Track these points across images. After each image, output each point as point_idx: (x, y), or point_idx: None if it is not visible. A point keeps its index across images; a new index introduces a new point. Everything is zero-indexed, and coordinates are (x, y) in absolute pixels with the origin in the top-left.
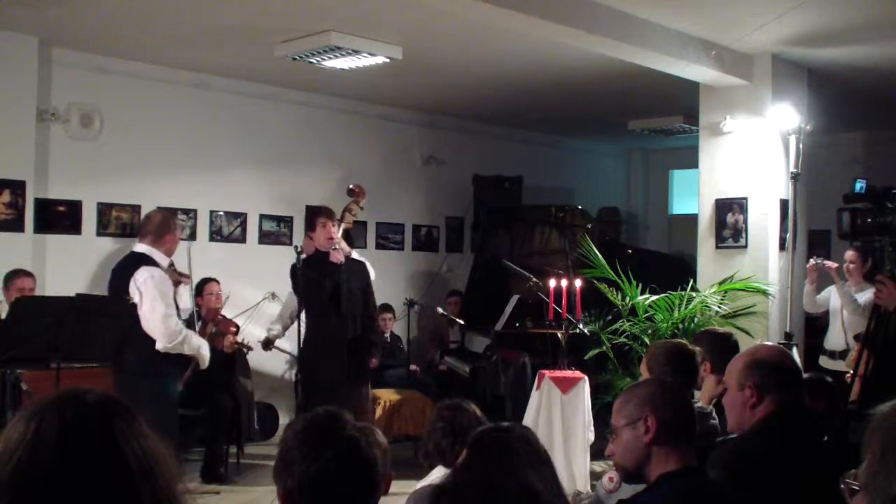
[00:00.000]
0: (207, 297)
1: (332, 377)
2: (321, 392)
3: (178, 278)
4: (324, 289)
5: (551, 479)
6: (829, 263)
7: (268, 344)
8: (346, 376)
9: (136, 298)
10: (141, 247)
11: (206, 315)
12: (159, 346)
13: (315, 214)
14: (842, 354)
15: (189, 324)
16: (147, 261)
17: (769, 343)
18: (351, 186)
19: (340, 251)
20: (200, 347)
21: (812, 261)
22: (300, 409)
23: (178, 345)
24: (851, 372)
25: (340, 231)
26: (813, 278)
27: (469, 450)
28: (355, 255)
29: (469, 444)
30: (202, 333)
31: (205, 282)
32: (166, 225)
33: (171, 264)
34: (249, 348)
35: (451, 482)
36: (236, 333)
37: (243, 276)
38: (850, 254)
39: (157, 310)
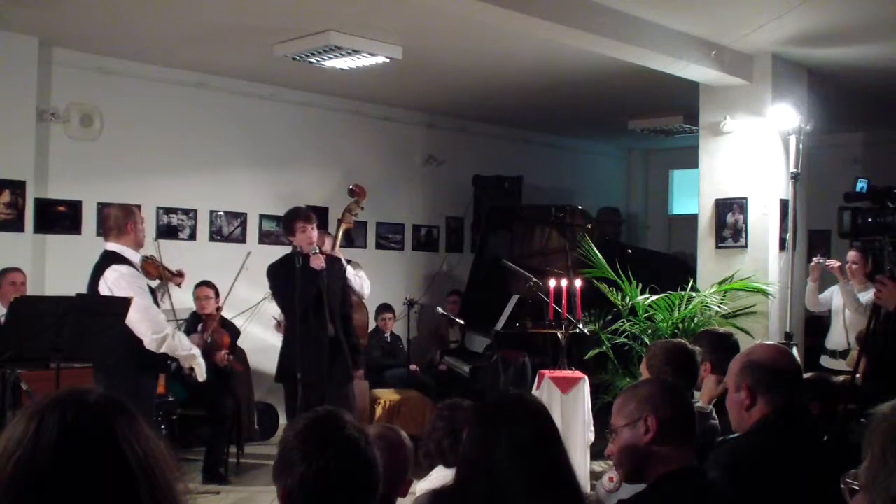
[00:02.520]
0: (198, 303)
1: (316, 378)
2: (306, 393)
3: (162, 273)
4: (307, 293)
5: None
6: (831, 262)
7: (280, 326)
8: (328, 376)
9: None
10: (109, 245)
11: (207, 320)
12: (148, 342)
13: (292, 218)
14: (843, 354)
15: (190, 329)
16: (116, 259)
17: (768, 343)
18: (351, 187)
19: (320, 256)
20: (194, 353)
21: (815, 259)
22: (290, 411)
23: (166, 339)
24: (860, 374)
25: (341, 232)
26: (815, 276)
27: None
28: (330, 251)
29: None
30: (201, 341)
31: (195, 286)
32: (124, 216)
33: (152, 259)
34: (239, 368)
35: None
36: (229, 345)
37: (243, 276)
38: (852, 254)
39: (137, 304)
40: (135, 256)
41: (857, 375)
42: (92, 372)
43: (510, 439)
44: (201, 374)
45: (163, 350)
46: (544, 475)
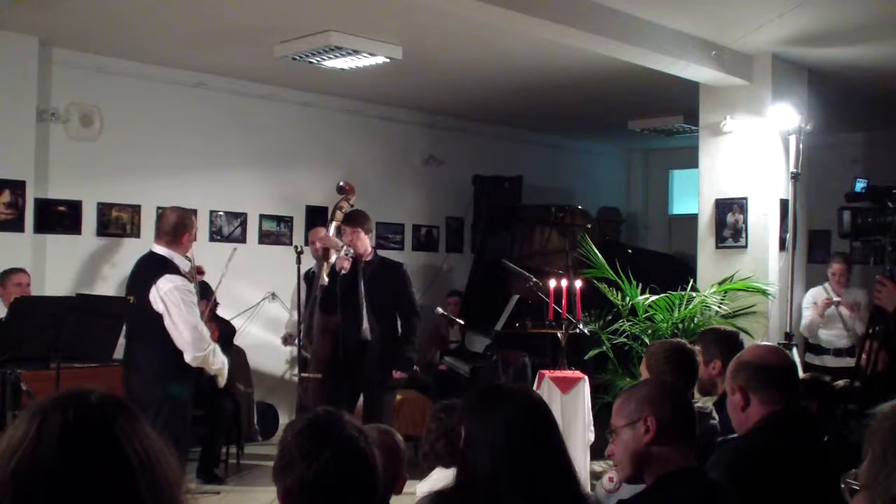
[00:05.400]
0: None
1: (337, 375)
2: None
3: (192, 277)
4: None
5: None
6: (843, 305)
7: (288, 340)
8: (345, 377)
9: (158, 307)
10: (159, 249)
11: None
12: (188, 358)
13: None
14: (849, 351)
15: None
16: (169, 267)
17: (763, 343)
18: (341, 184)
19: (344, 259)
20: (224, 366)
21: (827, 299)
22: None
23: (207, 356)
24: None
25: (332, 230)
26: (822, 312)
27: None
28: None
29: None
30: None
31: None
32: (182, 225)
33: (191, 264)
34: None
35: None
36: (217, 339)
37: (243, 276)
38: (836, 266)
39: (186, 320)
40: (184, 264)
41: (863, 365)
42: (93, 372)
43: (502, 422)
44: (223, 382)
45: (200, 365)
46: (543, 461)
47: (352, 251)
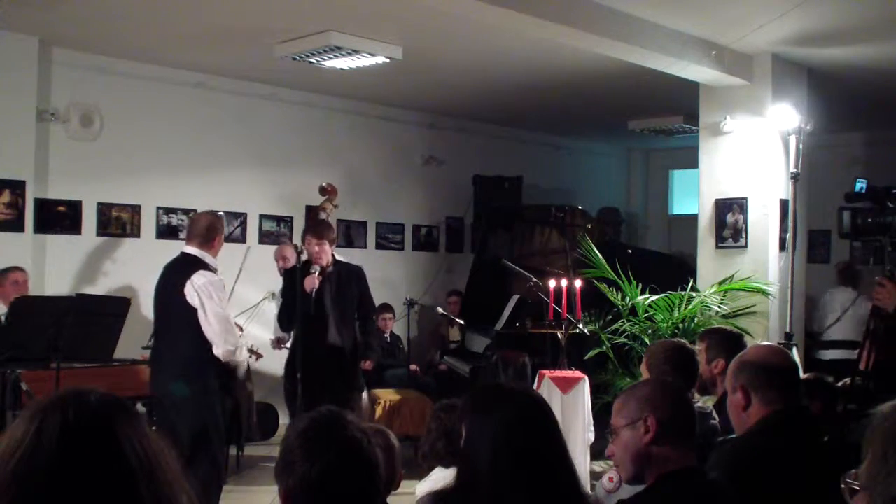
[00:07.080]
0: None
1: (315, 380)
2: (305, 394)
3: None
4: (300, 305)
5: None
6: None
7: (280, 342)
8: (326, 383)
9: (194, 302)
10: (191, 249)
11: None
12: (222, 352)
13: (304, 231)
14: (854, 344)
15: None
16: (202, 265)
17: (764, 343)
18: (323, 185)
19: (313, 278)
20: (246, 357)
21: None
22: (290, 412)
23: (236, 351)
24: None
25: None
26: None
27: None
28: (339, 257)
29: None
30: None
31: None
32: (214, 228)
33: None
34: (259, 355)
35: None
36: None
37: (243, 276)
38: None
39: (217, 313)
40: (215, 264)
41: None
42: (93, 372)
43: (503, 422)
44: (243, 370)
45: (228, 359)
46: (543, 461)
47: (318, 268)
